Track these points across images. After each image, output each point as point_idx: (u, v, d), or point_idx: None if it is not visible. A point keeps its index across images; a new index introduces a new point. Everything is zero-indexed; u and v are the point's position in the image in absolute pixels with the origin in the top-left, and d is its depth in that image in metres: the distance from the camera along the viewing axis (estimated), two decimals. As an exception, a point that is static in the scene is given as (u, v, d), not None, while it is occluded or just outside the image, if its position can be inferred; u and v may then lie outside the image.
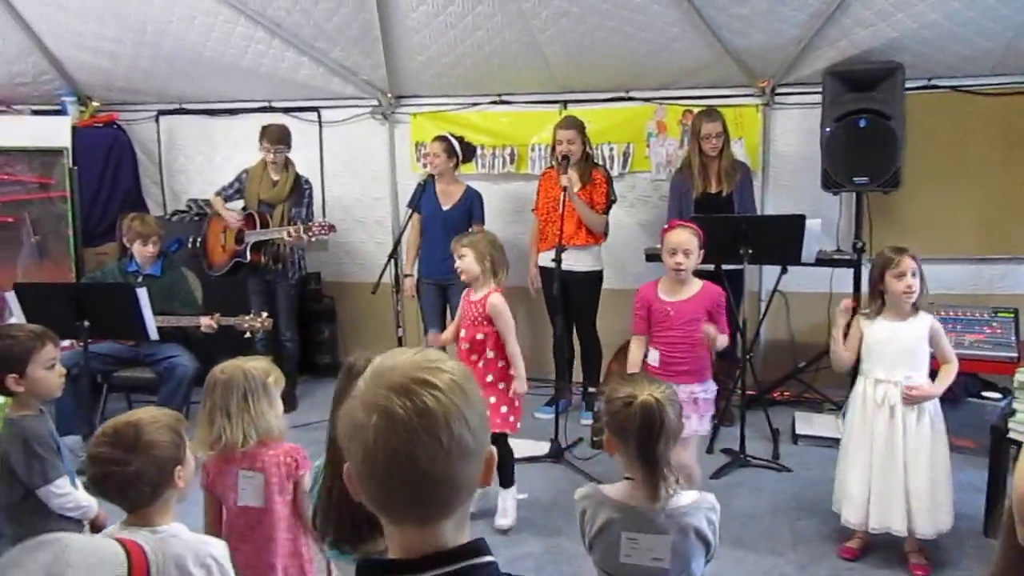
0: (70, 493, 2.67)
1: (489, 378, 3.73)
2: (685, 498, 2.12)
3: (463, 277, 3.83)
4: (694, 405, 3.56)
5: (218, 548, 1.97)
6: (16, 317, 4.07)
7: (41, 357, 2.68)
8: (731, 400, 4.92)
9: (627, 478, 2.14)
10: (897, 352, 3.34)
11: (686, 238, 3.51)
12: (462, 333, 3.83)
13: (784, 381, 5.37)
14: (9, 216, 5.51)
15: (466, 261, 3.77)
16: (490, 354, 3.75)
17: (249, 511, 2.54)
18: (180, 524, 2.02)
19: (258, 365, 2.56)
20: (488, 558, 1.12)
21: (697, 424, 3.59)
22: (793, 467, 4.44)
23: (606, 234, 5.16)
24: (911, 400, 3.28)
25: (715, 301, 3.56)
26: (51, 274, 5.52)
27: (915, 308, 3.34)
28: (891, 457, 3.30)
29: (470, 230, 5.28)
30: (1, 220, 5.49)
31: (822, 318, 5.32)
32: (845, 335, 3.48)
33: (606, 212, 5.04)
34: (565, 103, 5.67)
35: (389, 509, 1.09)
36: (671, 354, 3.56)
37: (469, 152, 5.36)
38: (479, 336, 3.75)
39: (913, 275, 3.29)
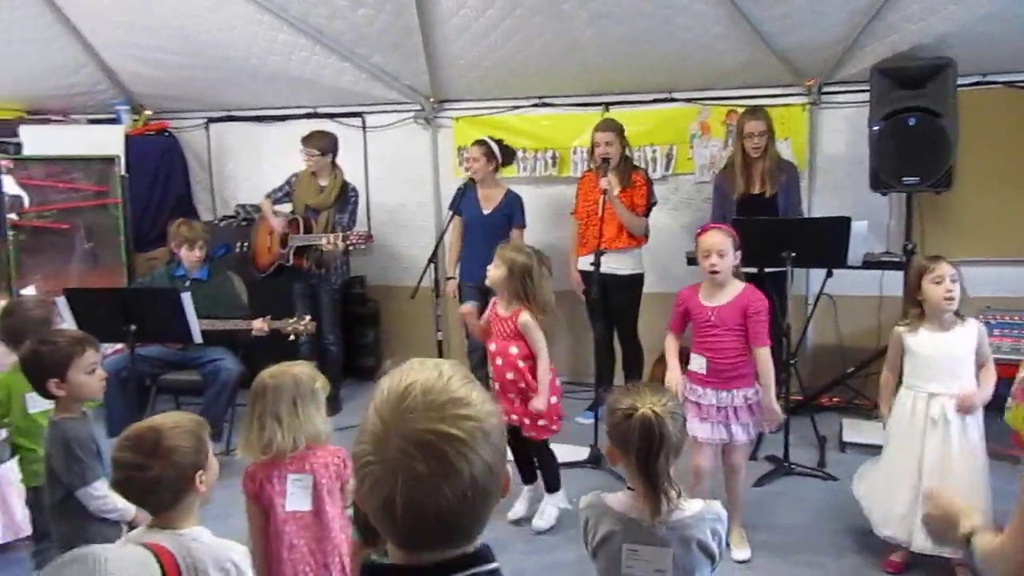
0: (108, 496, 2.72)
1: (522, 384, 3.73)
2: (689, 509, 2.08)
3: (487, 282, 3.82)
4: (749, 411, 3.51)
5: (238, 553, 1.99)
6: (67, 322, 4.19)
7: (82, 362, 2.75)
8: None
9: (629, 488, 2.11)
10: (948, 363, 3.23)
11: (719, 239, 3.45)
12: (492, 347, 3.79)
13: (832, 386, 5.24)
14: (64, 223, 5.67)
15: (496, 273, 3.72)
16: (522, 364, 3.72)
17: (298, 516, 2.54)
18: (202, 528, 2.04)
19: (305, 371, 2.58)
20: (493, 565, 1.12)
21: (756, 428, 3.55)
22: (839, 476, 4.29)
23: (647, 237, 5.11)
24: (967, 410, 3.17)
25: (752, 307, 3.48)
26: (103, 279, 5.67)
27: (958, 315, 3.23)
28: (943, 475, 3.17)
29: (511, 236, 5.32)
30: (56, 227, 5.66)
31: (872, 322, 5.19)
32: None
33: (646, 215, 4.98)
34: (607, 105, 5.63)
35: (406, 546, 1.09)
36: (719, 360, 3.48)
37: (509, 156, 5.35)
38: (512, 350, 3.72)
39: (952, 280, 3.18)
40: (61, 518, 2.73)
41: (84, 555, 1.47)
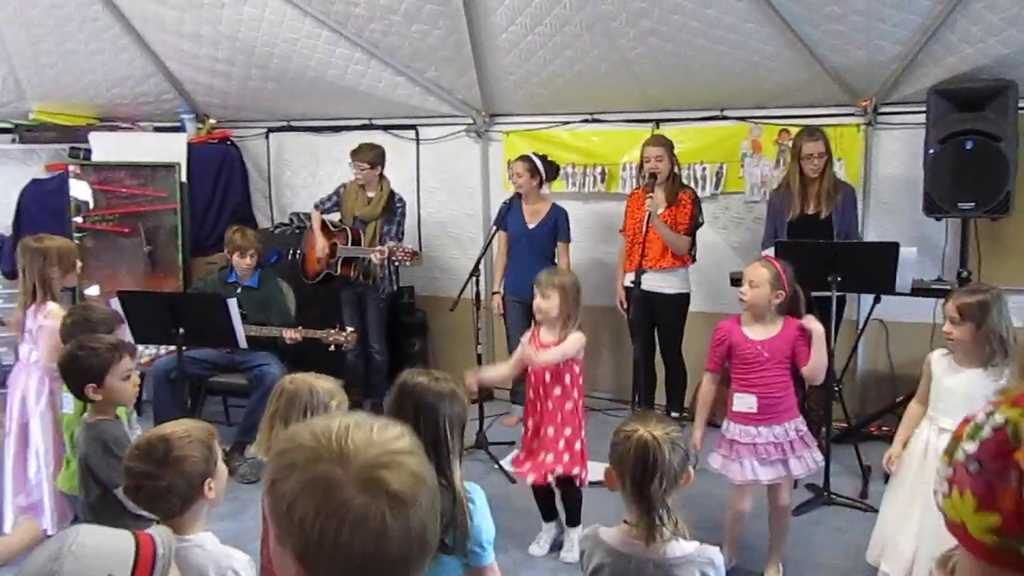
0: None
1: (569, 432, 3.66)
2: (681, 549, 2.05)
3: (539, 316, 3.70)
4: (803, 442, 3.45)
5: (240, 561, 2.05)
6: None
7: (118, 369, 2.86)
8: (819, 433, 4.70)
9: (625, 521, 2.10)
10: (963, 401, 3.06)
11: (755, 272, 3.42)
12: (546, 377, 3.67)
13: (881, 415, 5.09)
14: (127, 227, 5.88)
15: (551, 303, 3.60)
16: (557, 392, 3.68)
17: None
18: (209, 534, 2.10)
19: (326, 385, 2.58)
20: None
21: (813, 460, 3.48)
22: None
23: (694, 257, 5.06)
24: None
25: (797, 337, 3.43)
26: (161, 282, 5.86)
27: (992, 359, 3.05)
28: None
29: (558, 249, 5.33)
30: (118, 230, 5.87)
31: (924, 350, 4.93)
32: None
33: (690, 233, 4.93)
34: (658, 122, 5.59)
35: None
36: (770, 395, 3.41)
37: (553, 171, 5.37)
38: (547, 376, 3.66)
39: (951, 322, 3.05)
40: (98, 517, 2.81)
41: (67, 531, 1.55)
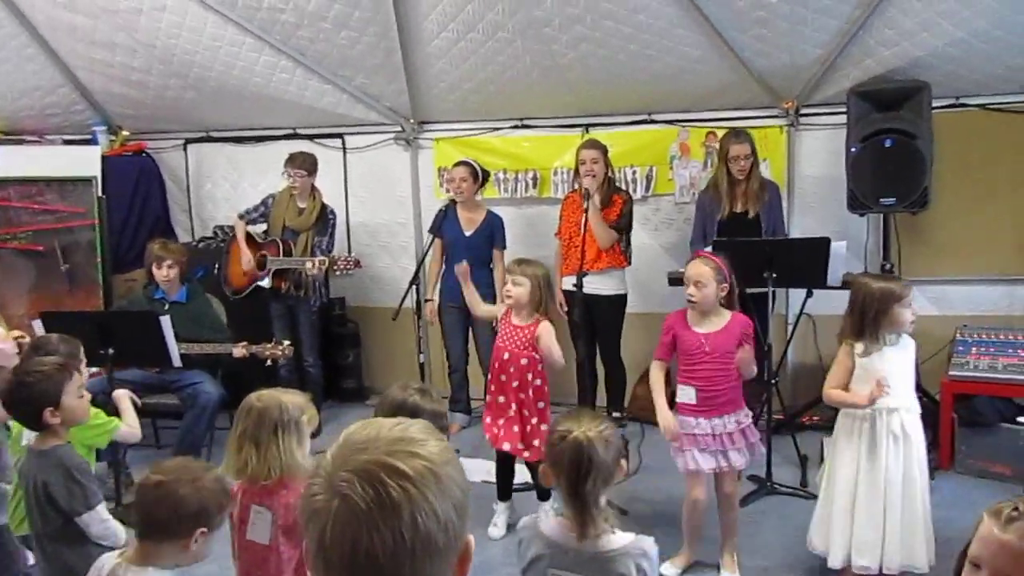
0: (110, 519, 2.69)
1: (540, 404, 3.82)
2: (616, 541, 2.11)
3: (508, 302, 3.85)
4: (742, 435, 3.52)
5: None
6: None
7: (72, 387, 2.72)
8: (757, 425, 4.83)
9: (562, 515, 2.15)
10: (901, 377, 3.28)
11: (698, 270, 3.48)
12: (505, 356, 3.83)
13: (813, 405, 5.27)
14: (40, 245, 5.60)
15: (521, 291, 3.78)
16: (537, 381, 3.80)
17: (255, 547, 2.50)
18: (155, 570, 2.08)
19: (295, 400, 2.53)
20: None
21: (748, 456, 3.56)
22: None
23: (629, 259, 5.13)
24: None
25: (744, 331, 3.51)
26: (81, 301, 5.59)
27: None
28: (908, 492, 3.22)
29: (494, 257, 5.33)
30: (33, 248, 5.58)
31: (851, 341, 5.22)
32: None
33: (617, 231, 4.99)
34: (587, 127, 5.66)
35: None
36: (710, 388, 3.48)
37: (486, 176, 5.39)
38: (523, 361, 3.78)
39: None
40: (61, 547, 2.66)
41: None
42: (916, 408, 3.31)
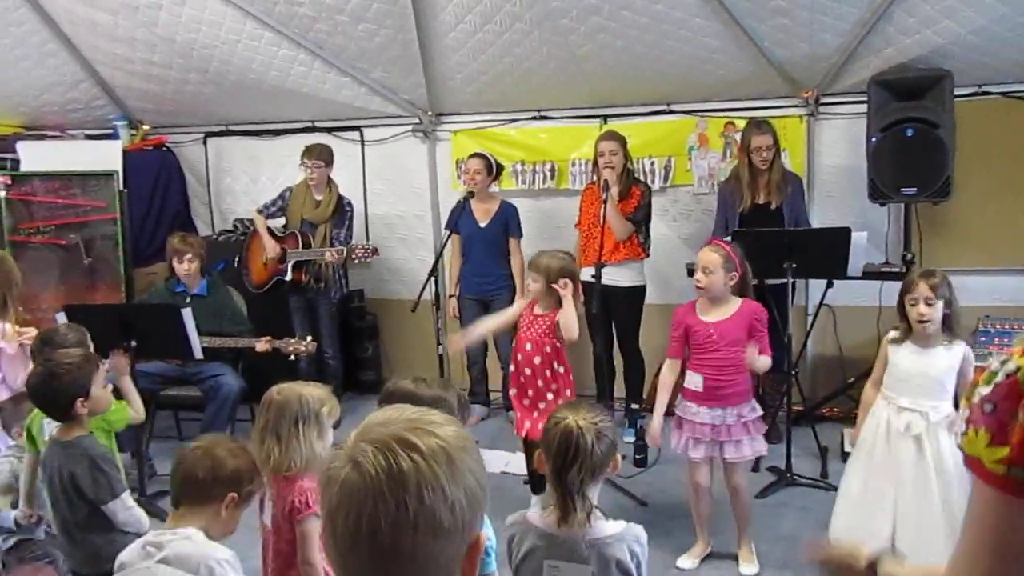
0: (135, 506, 2.74)
1: (568, 392, 3.80)
2: (609, 528, 2.13)
3: (530, 295, 3.89)
4: (745, 428, 3.51)
5: (224, 553, 2.07)
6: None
7: (99, 378, 2.81)
8: (777, 417, 4.82)
9: (552, 506, 2.15)
10: (924, 382, 3.21)
11: (707, 257, 3.49)
12: (527, 347, 3.82)
13: (833, 397, 5.25)
14: (63, 238, 5.65)
15: (536, 287, 3.79)
16: (560, 369, 3.80)
17: (266, 530, 2.56)
18: (195, 529, 2.13)
19: (316, 393, 2.54)
20: None
21: (750, 447, 3.55)
22: (842, 486, 4.32)
23: (648, 251, 5.12)
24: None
25: (755, 318, 3.50)
26: (103, 295, 5.65)
27: (949, 335, 3.21)
28: (924, 490, 3.16)
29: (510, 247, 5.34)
30: (56, 242, 5.64)
31: (871, 332, 5.17)
32: None
33: (634, 223, 4.98)
34: (605, 118, 5.64)
35: (342, 567, 1.00)
36: (717, 378, 3.48)
37: (500, 168, 5.39)
38: (547, 349, 3.79)
39: (927, 303, 3.15)
40: (89, 535, 2.72)
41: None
42: (936, 417, 3.18)
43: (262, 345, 4.73)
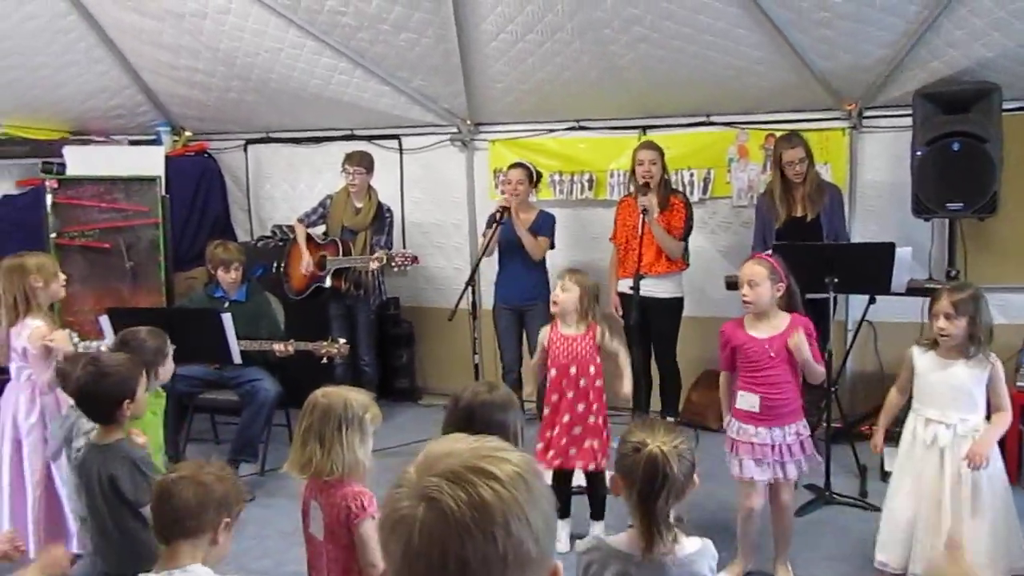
0: None
1: (581, 407, 3.77)
2: (690, 546, 2.10)
3: (554, 309, 3.81)
4: (800, 447, 3.46)
5: None
6: (108, 339, 4.23)
7: (143, 381, 2.83)
8: (815, 434, 4.74)
9: (630, 526, 2.11)
10: (950, 392, 3.18)
11: (751, 270, 3.43)
12: (572, 370, 3.75)
13: (873, 414, 5.14)
14: (106, 242, 5.74)
15: (568, 296, 3.74)
16: (598, 383, 3.78)
17: (314, 540, 2.54)
18: (200, 565, 2.10)
19: (359, 398, 2.53)
20: None
21: (807, 465, 3.51)
22: (881, 505, 4.18)
23: (687, 262, 5.08)
24: (975, 466, 3.09)
25: (808, 333, 3.44)
26: (144, 299, 5.72)
27: (974, 350, 3.15)
28: (938, 505, 3.14)
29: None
30: (98, 246, 5.72)
31: (913, 349, 5.11)
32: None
33: (683, 239, 4.95)
34: (644, 128, 5.62)
35: None
36: (776, 396, 3.41)
37: (539, 176, 5.39)
38: (591, 369, 3.75)
39: (947, 318, 3.12)
40: (129, 537, 2.73)
41: None
42: (964, 429, 3.15)
43: (281, 347, 4.74)
